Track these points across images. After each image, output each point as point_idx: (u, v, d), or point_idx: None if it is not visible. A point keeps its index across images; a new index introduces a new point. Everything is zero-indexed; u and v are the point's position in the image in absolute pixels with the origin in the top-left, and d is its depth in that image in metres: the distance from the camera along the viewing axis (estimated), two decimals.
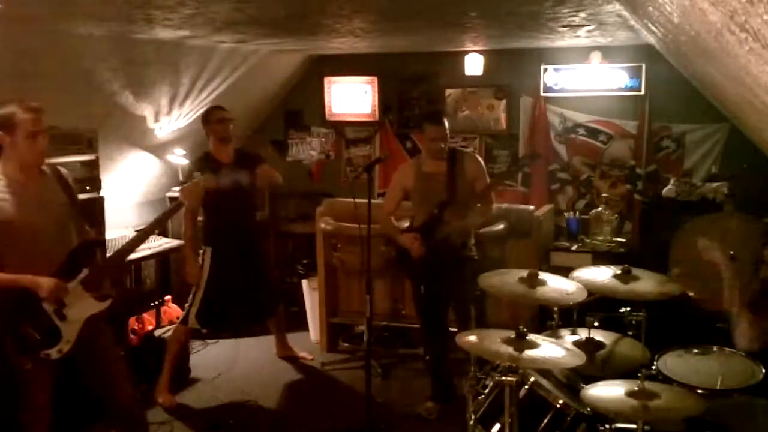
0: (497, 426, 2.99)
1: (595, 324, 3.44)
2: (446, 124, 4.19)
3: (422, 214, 4.21)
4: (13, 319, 2.99)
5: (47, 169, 3.18)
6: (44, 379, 3.15)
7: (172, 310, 5.39)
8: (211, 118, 4.58)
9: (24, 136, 2.96)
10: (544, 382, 3.09)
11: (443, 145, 4.16)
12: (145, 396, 4.41)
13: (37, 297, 2.97)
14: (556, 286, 3.24)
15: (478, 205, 4.25)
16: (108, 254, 3.34)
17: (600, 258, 5.38)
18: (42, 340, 3.01)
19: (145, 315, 5.04)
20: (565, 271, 3.49)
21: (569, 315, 3.55)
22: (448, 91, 6.62)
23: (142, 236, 3.46)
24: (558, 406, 2.96)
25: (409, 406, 4.38)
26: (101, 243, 3.19)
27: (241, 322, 5.16)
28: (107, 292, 3.20)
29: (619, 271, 3.36)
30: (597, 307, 3.41)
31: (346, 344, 5.48)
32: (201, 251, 4.59)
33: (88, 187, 4.53)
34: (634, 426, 2.67)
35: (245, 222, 4.68)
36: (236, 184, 4.52)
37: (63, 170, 3.27)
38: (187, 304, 4.63)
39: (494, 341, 2.84)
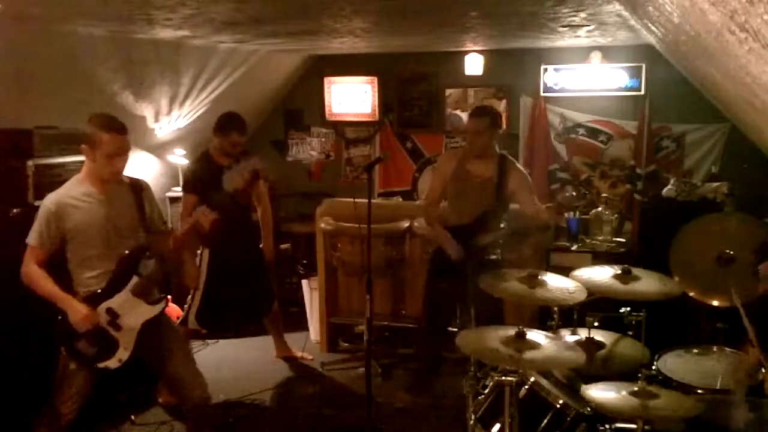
0: (497, 426, 2.99)
1: (595, 324, 3.44)
2: (486, 119, 4.09)
3: (457, 213, 4.18)
4: (70, 333, 3.06)
5: (126, 180, 3.29)
6: (83, 386, 3.18)
7: (172, 310, 5.38)
8: (226, 135, 4.46)
9: (103, 155, 3.07)
10: (544, 382, 3.09)
11: (476, 140, 4.10)
12: (145, 396, 4.42)
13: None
14: (556, 285, 3.24)
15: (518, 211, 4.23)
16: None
17: (600, 258, 5.37)
18: (99, 352, 3.10)
19: None
20: (565, 271, 3.49)
21: (569, 315, 3.55)
22: (448, 91, 6.62)
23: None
24: (558, 406, 2.96)
25: (408, 406, 4.39)
26: (146, 249, 3.27)
27: (240, 321, 5.18)
28: (158, 296, 3.27)
29: (618, 271, 3.36)
30: (597, 307, 3.40)
31: (346, 344, 5.48)
32: (199, 252, 4.59)
33: None
34: (634, 426, 2.67)
35: (242, 222, 4.68)
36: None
37: (143, 182, 3.39)
38: (186, 305, 4.64)
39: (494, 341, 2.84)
